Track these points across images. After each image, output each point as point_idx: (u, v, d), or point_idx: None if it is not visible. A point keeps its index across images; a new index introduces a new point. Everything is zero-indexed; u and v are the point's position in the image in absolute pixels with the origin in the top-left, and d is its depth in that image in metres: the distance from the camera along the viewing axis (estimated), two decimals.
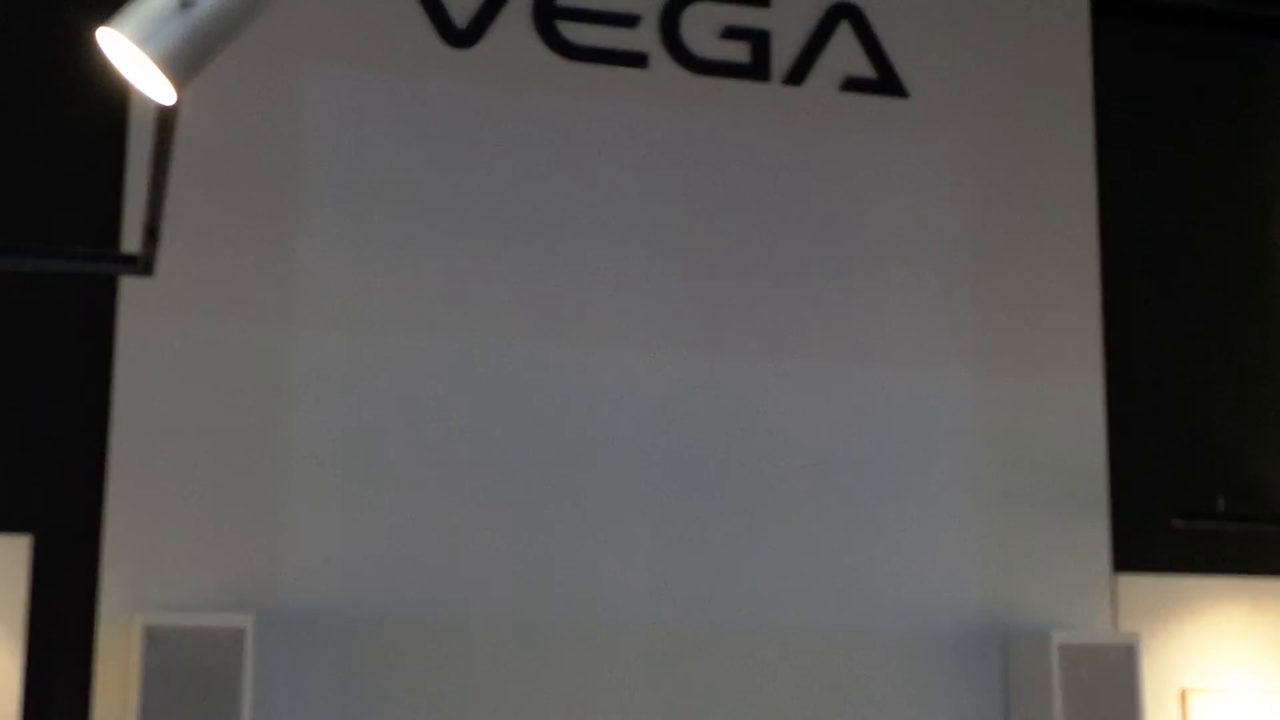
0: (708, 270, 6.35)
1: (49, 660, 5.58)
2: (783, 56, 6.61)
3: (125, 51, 2.54)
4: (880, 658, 6.30)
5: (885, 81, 6.71)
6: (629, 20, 6.47)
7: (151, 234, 3.20)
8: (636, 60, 6.45)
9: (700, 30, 6.53)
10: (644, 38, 6.48)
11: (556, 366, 6.12)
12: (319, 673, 5.72)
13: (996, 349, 6.68)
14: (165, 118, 2.75)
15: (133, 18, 2.51)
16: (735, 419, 6.25)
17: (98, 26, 2.57)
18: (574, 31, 6.40)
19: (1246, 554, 6.91)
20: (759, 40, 6.60)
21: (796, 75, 6.61)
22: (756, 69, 6.58)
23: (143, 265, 3.31)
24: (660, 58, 6.48)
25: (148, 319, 5.74)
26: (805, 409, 6.34)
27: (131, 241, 5.04)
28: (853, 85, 6.67)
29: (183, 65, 2.53)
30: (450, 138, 6.20)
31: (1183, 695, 6.67)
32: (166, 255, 3.60)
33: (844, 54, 6.68)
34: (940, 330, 6.61)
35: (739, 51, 6.58)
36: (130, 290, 5.71)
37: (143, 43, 2.49)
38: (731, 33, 6.58)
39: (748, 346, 6.33)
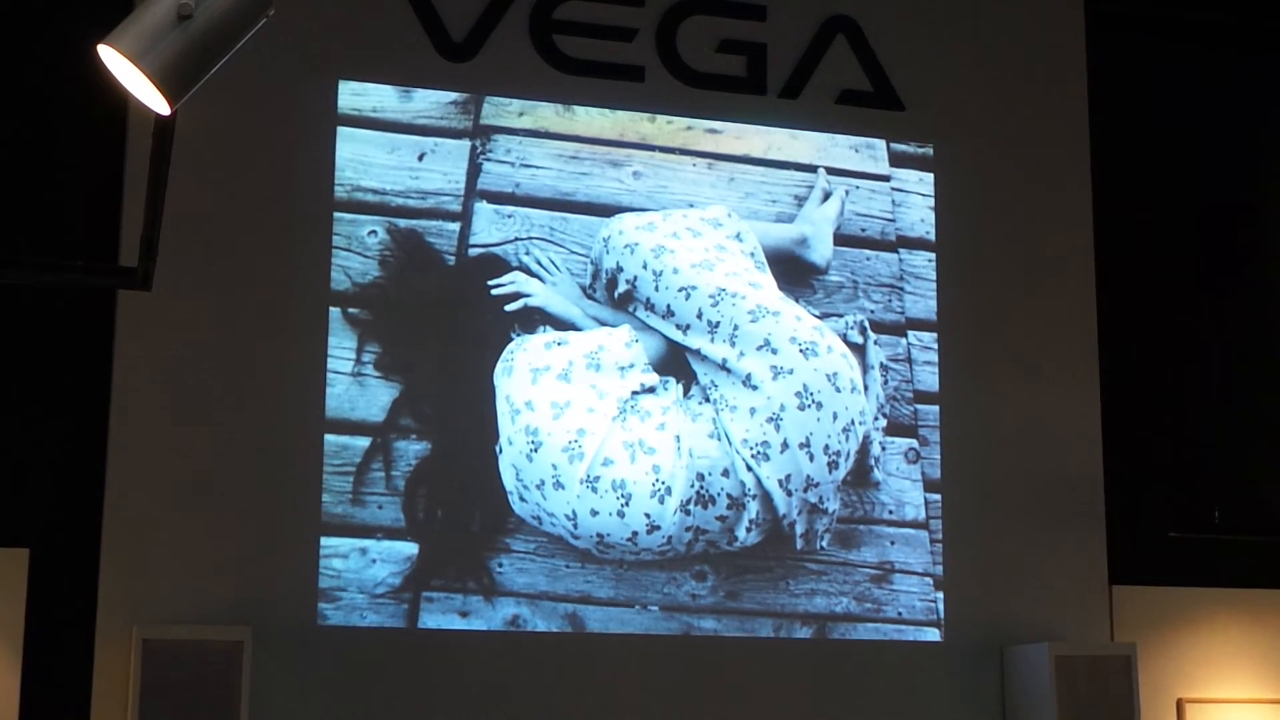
0: None
1: (47, 674, 5.58)
2: (779, 70, 6.64)
3: (123, 66, 2.55)
4: (878, 668, 6.32)
5: (881, 94, 6.74)
6: (625, 34, 6.50)
7: (149, 247, 3.20)
8: (633, 73, 6.48)
9: (697, 43, 6.57)
10: (640, 51, 6.51)
11: None
12: (317, 686, 5.73)
13: (993, 360, 6.70)
14: (162, 131, 2.76)
15: (130, 32, 2.53)
16: None
17: (96, 39, 2.59)
18: (570, 45, 6.43)
19: (1243, 566, 6.93)
20: (755, 53, 6.63)
21: (793, 88, 6.64)
22: (753, 82, 6.61)
23: (140, 279, 3.31)
24: (656, 71, 6.51)
25: (145, 332, 5.77)
26: None
27: (129, 255, 5.04)
28: (849, 98, 6.70)
29: (180, 79, 2.55)
30: (448, 153, 6.23)
31: (1179, 705, 6.68)
32: (164, 269, 3.60)
33: (840, 67, 6.71)
34: (936, 342, 6.63)
35: (735, 65, 6.61)
36: (128, 304, 5.72)
37: (139, 57, 2.51)
38: (728, 46, 6.61)
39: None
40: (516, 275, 6.23)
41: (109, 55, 2.55)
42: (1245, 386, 7.17)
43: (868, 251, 6.64)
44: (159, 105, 2.60)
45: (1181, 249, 7.21)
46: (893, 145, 6.74)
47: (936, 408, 6.58)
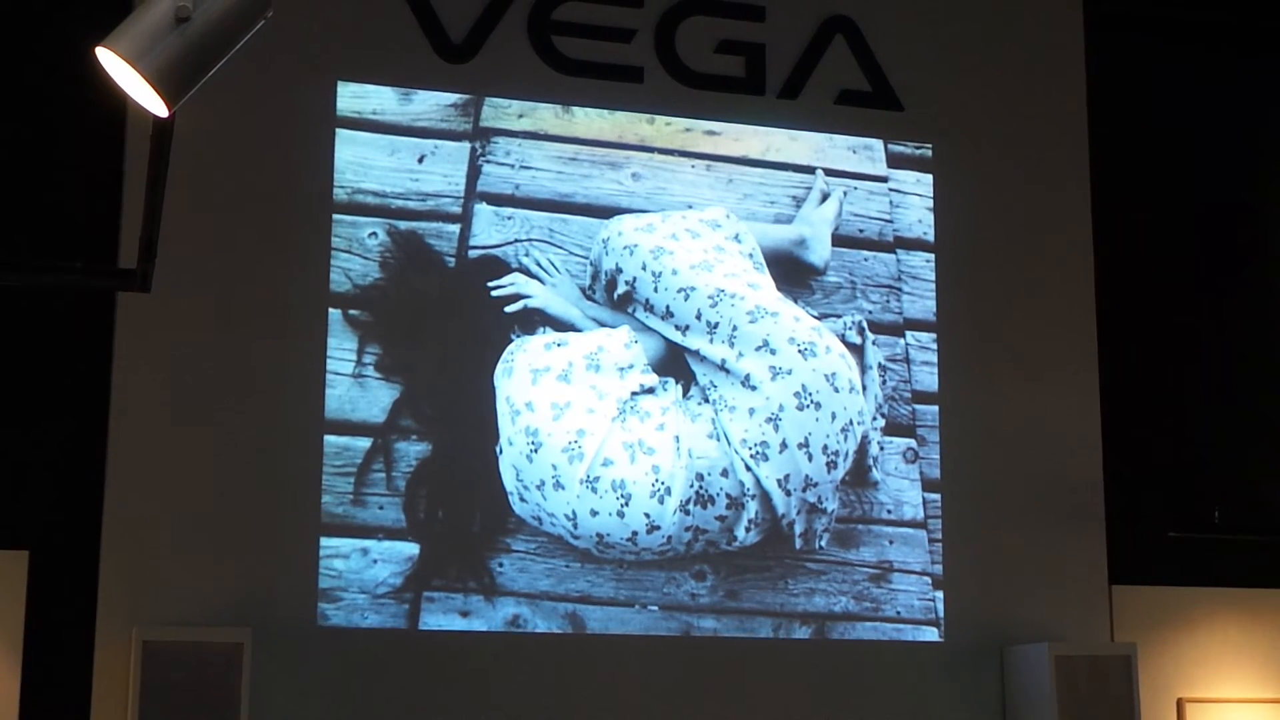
0: None
1: (47, 675, 5.58)
2: (778, 70, 6.65)
3: (121, 68, 2.56)
4: (878, 668, 6.33)
5: (880, 94, 6.74)
6: (624, 34, 6.51)
7: (148, 249, 3.21)
8: (632, 74, 6.49)
9: (695, 44, 6.57)
10: (639, 52, 6.52)
11: None
12: (317, 687, 5.74)
13: (992, 360, 6.70)
14: (160, 133, 2.77)
15: (128, 34, 2.53)
16: None
17: (95, 40, 2.59)
18: (569, 46, 6.43)
19: (1243, 566, 6.93)
20: (754, 54, 6.64)
21: (792, 89, 6.65)
22: (752, 82, 6.61)
23: (140, 280, 3.32)
24: (655, 71, 6.51)
25: (145, 334, 5.77)
26: None
27: (129, 256, 5.05)
28: (848, 98, 6.71)
29: (178, 81, 2.56)
30: (448, 155, 6.24)
31: (1179, 705, 6.69)
32: (164, 270, 3.61)
33: (839, 67, 6.71)
34: (934, 342, 6.63)
35: (734, 65, 6.61)
36: (128, 304, 5.73)
37: (137, 59, 2.51)
38: (727, 46, 6.61)
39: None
40: (516, 276, 6.24)
41: (107, 57, 2.55)
42: (1245, 386, 7.16)
43: (865, 252, 6.65)
44: (157, 107, 2.61)
45: (1181, 249, 7.21)
46: (890, 146, 6.75)
47: (934, 408, 6.59)
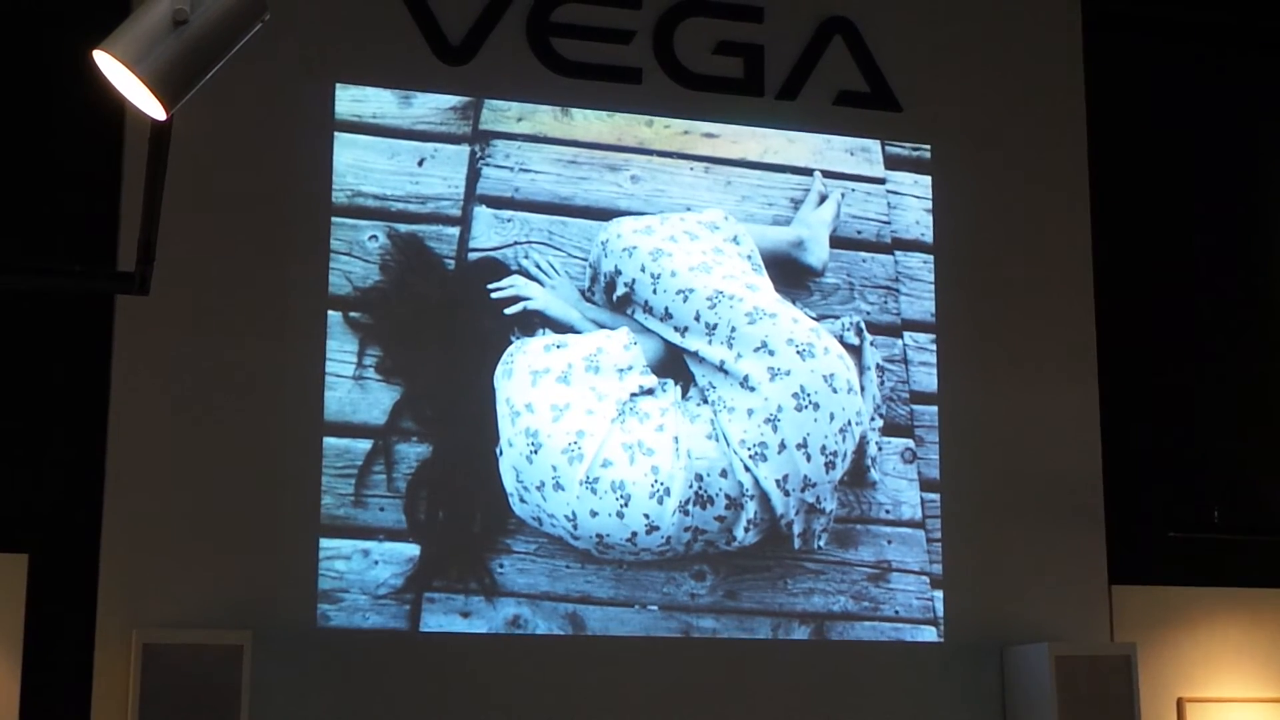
0: None
1: (47, 678, 5.58)
2: (776, 71, 6.66)
3: (119, 71, 2.56)
4: (879, 669, 6.33)
5: (879, 95, 6.75)
6: (623, 36, 6.52)
7: (147, 251, 3.22)
8: (631, 75, 6.49)
9: (694, 45, 6.58)
10: (638, 53, 6.52)
11: None
12: (317, 688, 5.74)
13: (992, 360, 6.71)
14: (158, 136, 2.78)
15: (125, 37, 2.54)
16: None
17: (94, 43, 2.60)
18: (568, 47, 6.44)
19: (1242, 565, 6.93)
20: (753, 55, 6.64)
21: (790, 90, 6.65)
22: (750, 84, 6.62)
23: (138, 283, 3.33)
24: (654, 73, 6.52)
25: (144, 335, 5.78)
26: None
27: (128, 258, 5.06)
28: (846, 99, 6.71)
29: (175, 84, 2.56)
30: (448, 158, 6.25)
31: (1179, 705, 6.69)
32: (164, 271, 3.62)
33: (837, 68, 6.72)
34: (934, 343, 6.64)
35: (733, 66, 6.62)
36: (127, 306, 5.73)
37: (135, 63, 2.52)
38: (725, 47, 6.62)
39: None
40: (516, 279, 6.25)
41: (105, 61, 2.56)
42: (1245, 386, 7.17)
43: (863, 254, 6.66)
44: (155, 110, 2.62)
45: (1181, 249, 7.21)
46: (888, 148, 6.76)
47: (932, 408, 6.60)
